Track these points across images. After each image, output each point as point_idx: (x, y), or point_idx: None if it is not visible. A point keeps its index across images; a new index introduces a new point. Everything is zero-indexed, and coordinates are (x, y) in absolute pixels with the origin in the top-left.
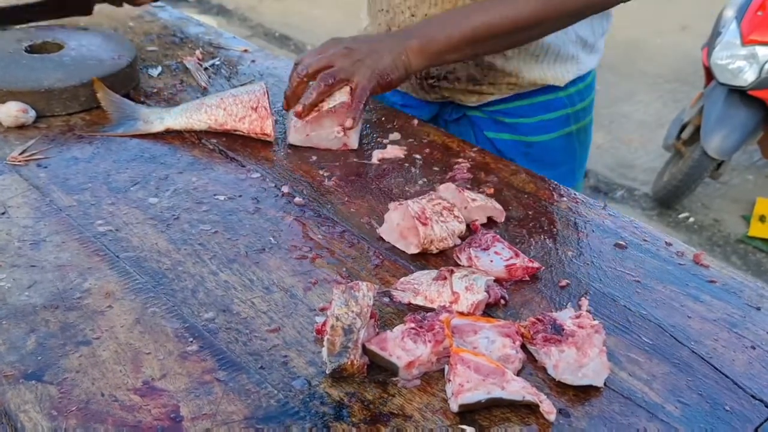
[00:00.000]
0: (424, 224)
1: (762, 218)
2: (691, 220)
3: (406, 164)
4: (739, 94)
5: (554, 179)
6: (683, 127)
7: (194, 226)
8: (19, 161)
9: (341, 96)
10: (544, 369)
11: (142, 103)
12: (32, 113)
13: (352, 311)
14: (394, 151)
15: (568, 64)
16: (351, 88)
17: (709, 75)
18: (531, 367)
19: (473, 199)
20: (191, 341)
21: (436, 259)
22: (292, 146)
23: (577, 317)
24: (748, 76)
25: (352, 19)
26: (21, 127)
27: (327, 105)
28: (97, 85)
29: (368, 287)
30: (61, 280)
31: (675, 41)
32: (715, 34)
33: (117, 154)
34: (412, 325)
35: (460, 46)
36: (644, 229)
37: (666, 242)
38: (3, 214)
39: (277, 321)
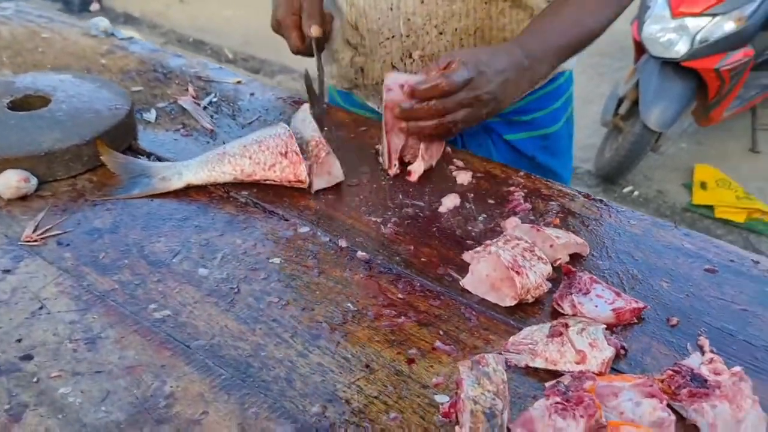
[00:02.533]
0: (519, 273)
1: (703, 185)
2: (636, 193)
3: (458, 199)
4: (672, 66)
5: (563, 168)
6: (620, 103)
7: (259, 299)
8: (36, 241)
9: None
10: (694, 427)
11: (148, 155)
12: (34, 181)
13: (488, 391)
14: (455, 199)
15: None
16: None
17: (640, 49)
18: (679, 426)
19: (557, 237)
20: None
21: (533, 309)
22: (328, 190)
23: (710, 362)
24: (680, 48)
25: (264, 18)
26: (23, 198)
27: None
28: (101, 148)
29: (496, 360)
30: (137, 385)
31: None
32: (644, 8)
33: (142, 220)
34: (557, 399)
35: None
36: (726, 248)
37: (753, 260)
38: (41, 309)
39: (393, 406)
